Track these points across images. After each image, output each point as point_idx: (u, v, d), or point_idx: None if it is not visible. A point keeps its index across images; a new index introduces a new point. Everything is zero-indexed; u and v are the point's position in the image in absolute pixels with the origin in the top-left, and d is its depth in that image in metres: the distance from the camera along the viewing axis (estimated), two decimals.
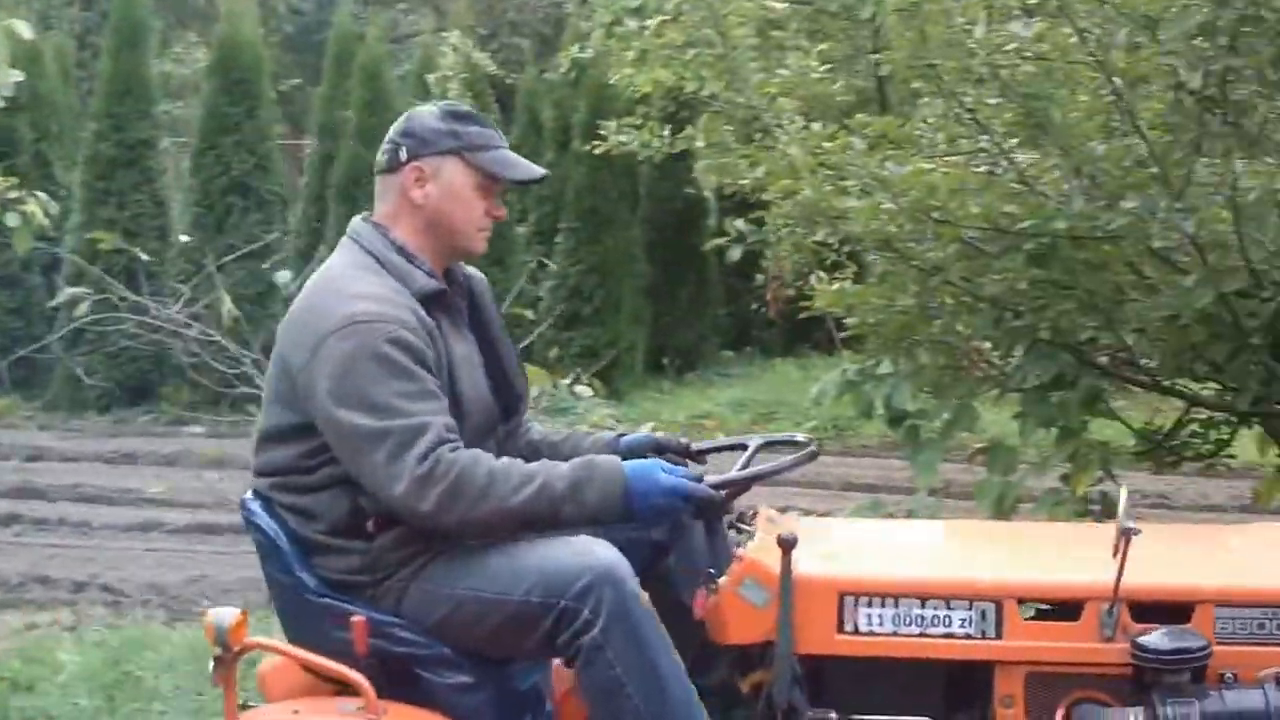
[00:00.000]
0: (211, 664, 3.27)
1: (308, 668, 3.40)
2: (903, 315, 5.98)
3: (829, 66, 6.67)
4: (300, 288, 3.71)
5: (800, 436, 4.07)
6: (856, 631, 3.42)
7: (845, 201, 5.74)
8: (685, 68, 7.15)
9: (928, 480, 6.05)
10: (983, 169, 5.86)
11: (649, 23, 7.56)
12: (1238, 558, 3.89)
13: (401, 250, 3.58)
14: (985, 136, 5.78)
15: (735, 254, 6.48)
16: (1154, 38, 5.16)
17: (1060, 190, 5.56)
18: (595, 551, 3.35)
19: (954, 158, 5.95)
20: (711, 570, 3.47)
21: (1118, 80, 5.32)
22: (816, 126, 6.05)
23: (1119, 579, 3.28)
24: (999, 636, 3.42)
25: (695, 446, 3.95)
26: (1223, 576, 3.55)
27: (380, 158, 3.68)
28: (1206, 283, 5.14)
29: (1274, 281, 5.31)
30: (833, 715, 3.41)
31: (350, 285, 3.50)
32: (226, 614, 3.24)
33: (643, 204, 16.26)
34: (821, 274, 6.59)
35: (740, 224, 6.43)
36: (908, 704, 3.50)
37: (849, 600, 3.42)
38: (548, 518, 3.38)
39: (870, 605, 3.42)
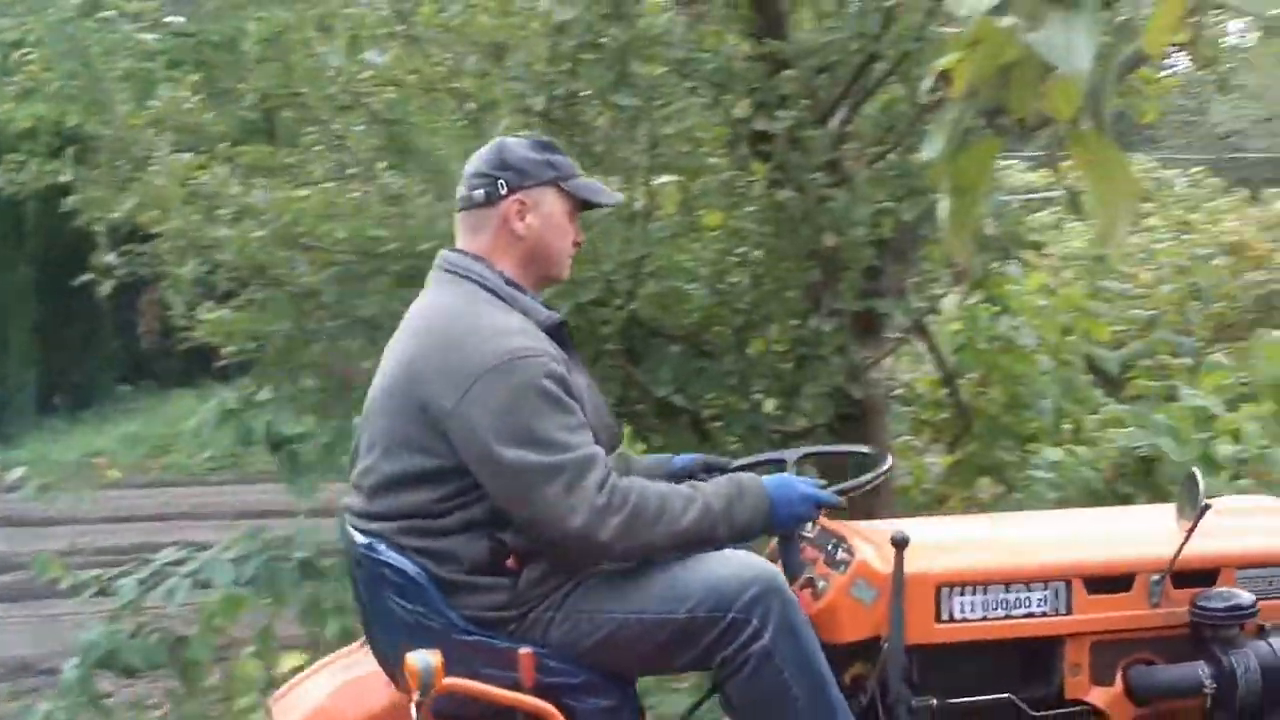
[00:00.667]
0: (414, 709, 3.23)
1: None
2: (283, 340, 6.05)
3: (201, 97, 6.66)
4: None
5: (860, 447, 4.45)
6: (952, 620, 3.71)
7: (217, 230, 5.77)
8: (59, 101, 7.02)
9: (307, 500, 6.18)
10: (356, 194, 6.01)
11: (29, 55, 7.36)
12: (1243, 527, 4.27)
13: (510, 283, 3.55)
14: (354, 163, 5.93)
15: (106, 288, 6.39)
16: (501, 63, 5.42)
17: (429, 211, 5.76)
18: (755, 563, 3.48)
19: (329, 184, 6.07)
20: (811, 576, 3.67)
21: (471, 104, 5.57)
22: (187, 157, 6.05)
23: (1178, 553, 3.78)
24: (1069, 612, 3.81)
25: (735, 464, 4.05)
26: (1238, 544, 4.04)
27: (474, 192, 3.61)
28: (566, 294, 5.39)
29: (626, 291, 5.63)
30: (933, 701, 3.65)
31: (487, 320, 3.44)
32: (427, 657, 3.22)
33: (30, 240, 15.86)
34: (211, 303, 6.59)
35: (112, 257, 6.36)
36: (993, 682, 3.80)
37: (945, 591, 3.69)
38: (708, 537, 3.45)
39: (963, 594, 3.72)
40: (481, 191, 3.61)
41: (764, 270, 5.76)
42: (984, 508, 6.72)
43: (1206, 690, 3.80)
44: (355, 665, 3.84)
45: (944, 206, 2.00)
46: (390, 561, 3.44)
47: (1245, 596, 3.86)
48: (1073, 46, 1.81)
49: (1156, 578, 3.83)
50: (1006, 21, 1.82)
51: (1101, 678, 3.89)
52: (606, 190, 3.91)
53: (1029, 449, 6.88)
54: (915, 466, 7.10)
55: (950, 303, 6.95)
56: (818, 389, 5.55)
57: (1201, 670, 3.80)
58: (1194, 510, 3.79)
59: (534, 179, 3.62)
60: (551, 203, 3.64)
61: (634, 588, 3.46)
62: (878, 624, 3.61)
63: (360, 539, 3.51)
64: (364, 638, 3.77)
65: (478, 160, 3.70)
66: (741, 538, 3.56)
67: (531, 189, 3.61)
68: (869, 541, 3.71)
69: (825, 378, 5.55)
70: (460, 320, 3.48)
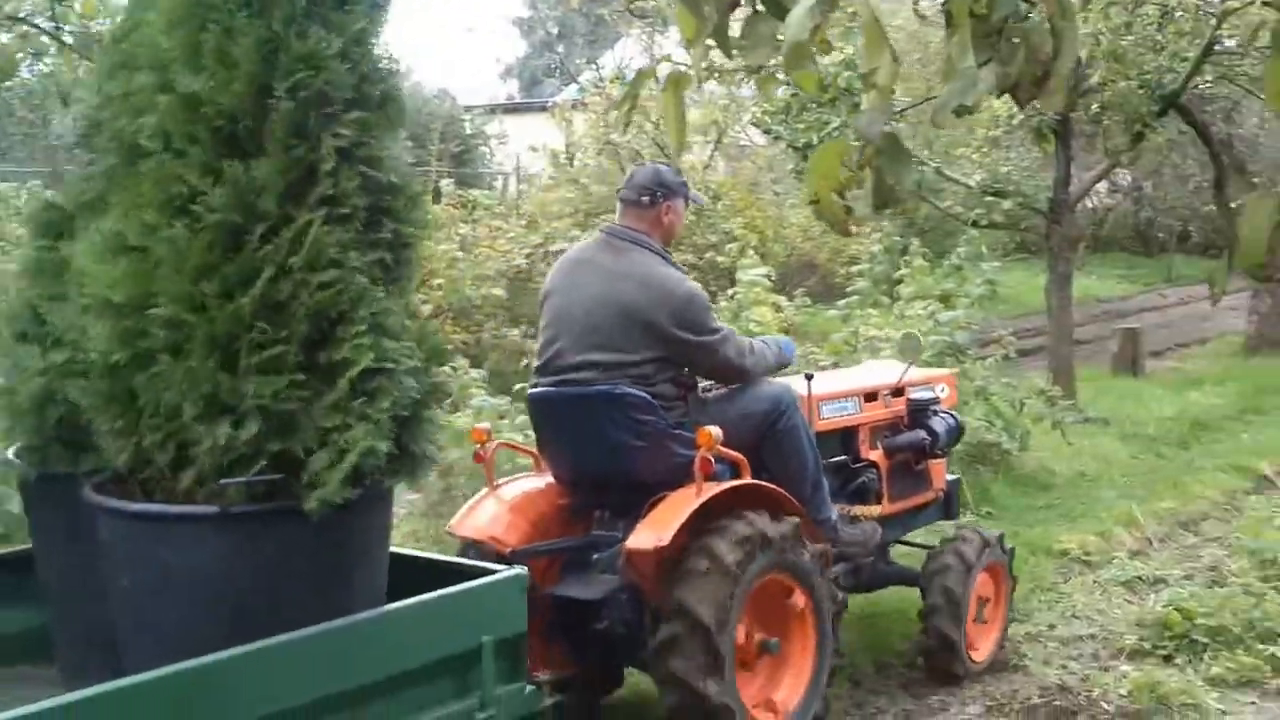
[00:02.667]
0: (699, 460, 5.96)
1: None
2: None
3: None
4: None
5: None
6: (824, 418, 7.19)
7: None
8: None
9: None
10: None
11: None
12: (897, 370, 7.97)
13: (662, 250, 6.58)
14: None
15: None
16: None
17: None
18: (779, 386, 6.75)
19: None
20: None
21: None
22: None
23: (899, 380, 7.75)
24: (859, 412, 7.53)
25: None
26: (920, 375, 8.16)
27: (642, 197, 6.52)
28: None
29: None
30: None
31: (671, 270, 6.46)
32: (710, 429, 5.96)
33: None
34: None
35: None
36: (839, 449, 7.43)
37: (820, 403, 7.16)
38: (771, 366, 6.79)
39: (827, 405, 7.28)
40: (648, 198, 6.52)
41: None
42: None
43: (923, 442, 7.66)
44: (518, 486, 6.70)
45: None
46: (633, 393, 6.12)
47: (934, 393, 7.95)
48: None
49: (888, 392, 7.70)
50: None
51: (873, 445, 7.62)
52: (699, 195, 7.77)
53: None
54: None
55: None
56: None
57: (918, 433, 7.68)
58: (911, 358, 7.94)
59: (675, 194, 6.62)
60: (680, 208, 6.72)
61: (736, 400, 6.59)
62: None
63: (604, 386, 6.15)
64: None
65: (643, 176, 6.63)
66: (779, 368, 6.87)
67: (674, 199, 6.60)
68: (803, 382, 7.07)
69: None
70: (660, 277, 6.33)
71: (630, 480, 6.13)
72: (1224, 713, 7.03)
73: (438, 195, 19.22)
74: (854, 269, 17.03)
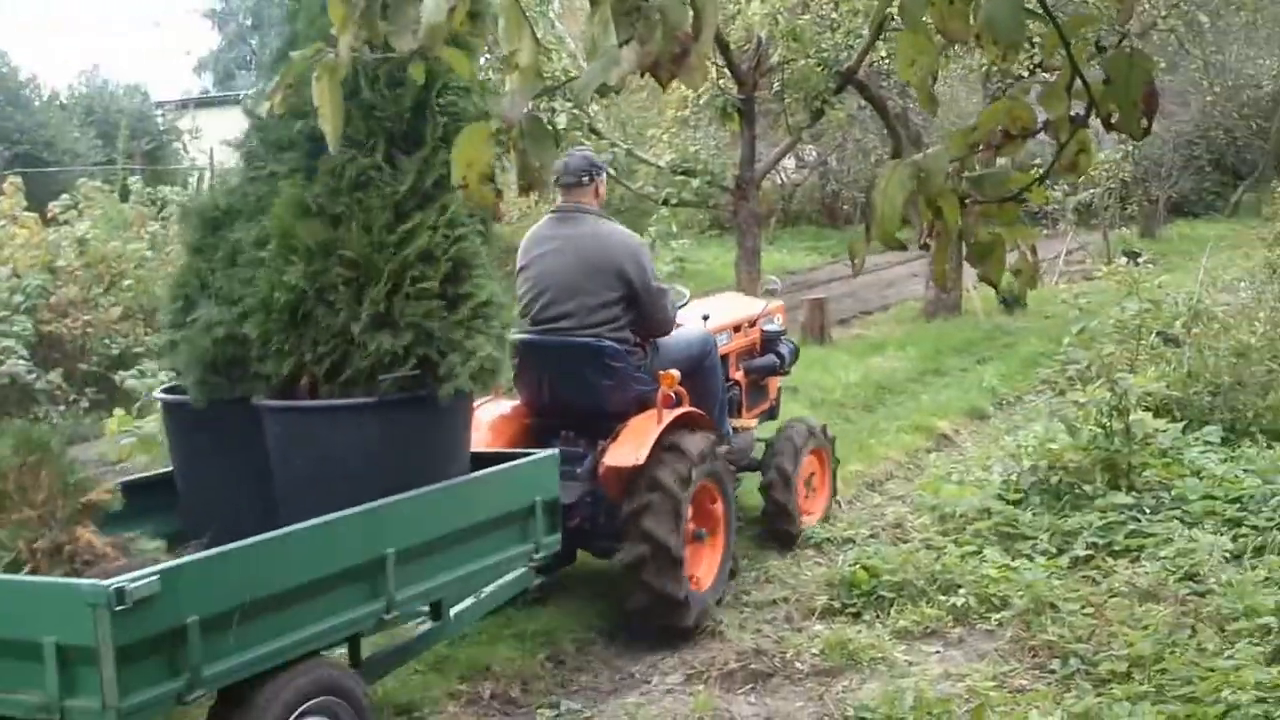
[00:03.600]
0: (662, 397, 7.95)
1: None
2: None
3: None
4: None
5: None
6: (718, 347, 9.17)
7: None
8: None
9: None
10: None
11: None
12: (747, 303, 10.56)
13: (605, 215, 8.36)
14: None
15: None
16: None
17: None
18: (705, 331, 8.82)
19: None
20: None
21: None
22: None
23: (758, 316, 10.07)
24: (730, 341, 9.34)
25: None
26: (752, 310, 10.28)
27: (580, 178, 8.11)
28: None
29: None
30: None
31: (624, 230, 8.28)
32: (671, 373, 8.16)
33: None
34: None
35: None
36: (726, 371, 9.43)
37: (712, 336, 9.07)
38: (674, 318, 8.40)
39: (718, 337, 9.14)
40: (586, 177, 8.10)
41: None
42: None
43: (774, 364, 9.93)
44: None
45: None
46: (610, 345, 7.87)
47: (777, 323, 10.18)
48: None
49: (747, 324, 9.76)
50: None
51: (737, 368, 9.61)
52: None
53: None
54: None
55: None
56: None
57: (770, 357, 9.90)
58: (769, 299, 10.44)
59: (601, 171, 8.35)
60: (604, 179, 8.43)
61: (680, 343, 8.43)
62: None
63: (587, 339, 7.87)
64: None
65: (577, 161, 8.11)
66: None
67: (600, 175, 8.27)
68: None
69: None
70: (614, 232, 8.10)
71: (598, 411, 7.97)
72: (910, 663, 7.33)
73: (126, 194, 18.65)
74: None
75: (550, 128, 2.69)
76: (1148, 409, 10.76)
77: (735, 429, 9.31)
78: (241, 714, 4.93)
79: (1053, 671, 7.02)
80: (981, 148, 2.82)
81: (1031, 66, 12.45)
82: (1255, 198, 34.83)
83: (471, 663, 7.26)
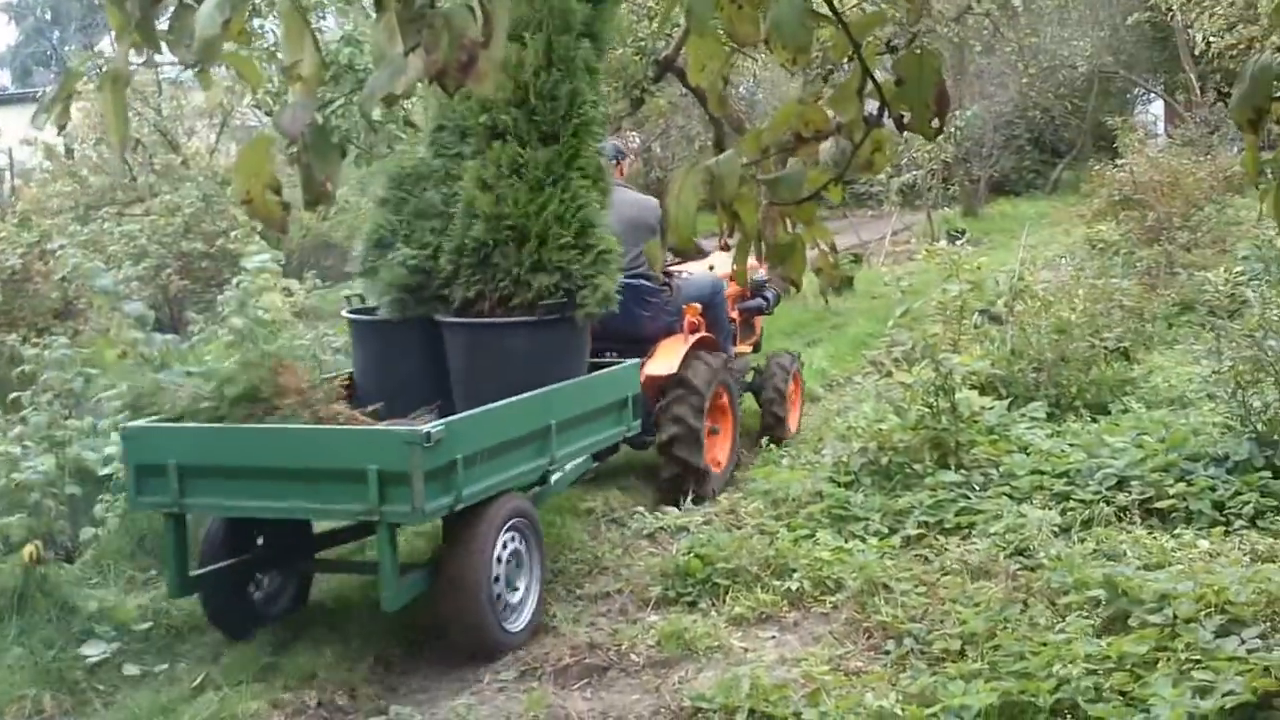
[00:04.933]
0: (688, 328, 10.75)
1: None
2: None
3: None
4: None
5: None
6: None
7: None
8: None
9: None
10: None
11: None
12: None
13: (634, 186, 11.64)
14: None
15: None
16: None
17: None
18: (715, 277, 11.36)
19: None
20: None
21: None
22: None
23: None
24: (728, 288, 11.57)
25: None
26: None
27: (614, 159, 10.29)
28: None
29: None
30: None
31: (648, 198, 10.84)
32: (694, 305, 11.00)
33: None
34: None
35: None
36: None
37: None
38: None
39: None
40: (615, 159, 10.23)
41: None
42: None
43: (762, 306, 12.67)
44: None
45: None
46: (647, 285, 10.44)
47: (762, 274, 12.11)
48: None
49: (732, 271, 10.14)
50: None
51: (733, 309, 11.87)
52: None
53: None
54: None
55: None
56: None
57: (759, 300, 12.55)
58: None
59: (625, 155, 11.22)
60: (628, 161, 12.33)
61: (696, 285, 11.14)
62: None
63: (631, 280, 9.50)
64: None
65: (608, 149, 9.48)
66: None
67: (624, 158, 11.07)
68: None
69: None
70: (643, 198, 10.80)
71: (638, 335, 10.39)
72: (747, 650, 7.31)
73: None
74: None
75: (335, 139, 2.57)
76: (974, 387, 10.90)
77: (737, 354, 12.01)
78: (475, 524, 7.34)
79: (887, 652, 7.03)
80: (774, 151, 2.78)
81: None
82: (1074, 175, 35.67)
83: (296, 671, 7.10)
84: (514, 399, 7.57)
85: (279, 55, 5.83)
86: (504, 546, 7.54)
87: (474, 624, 7.32)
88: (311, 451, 6.99)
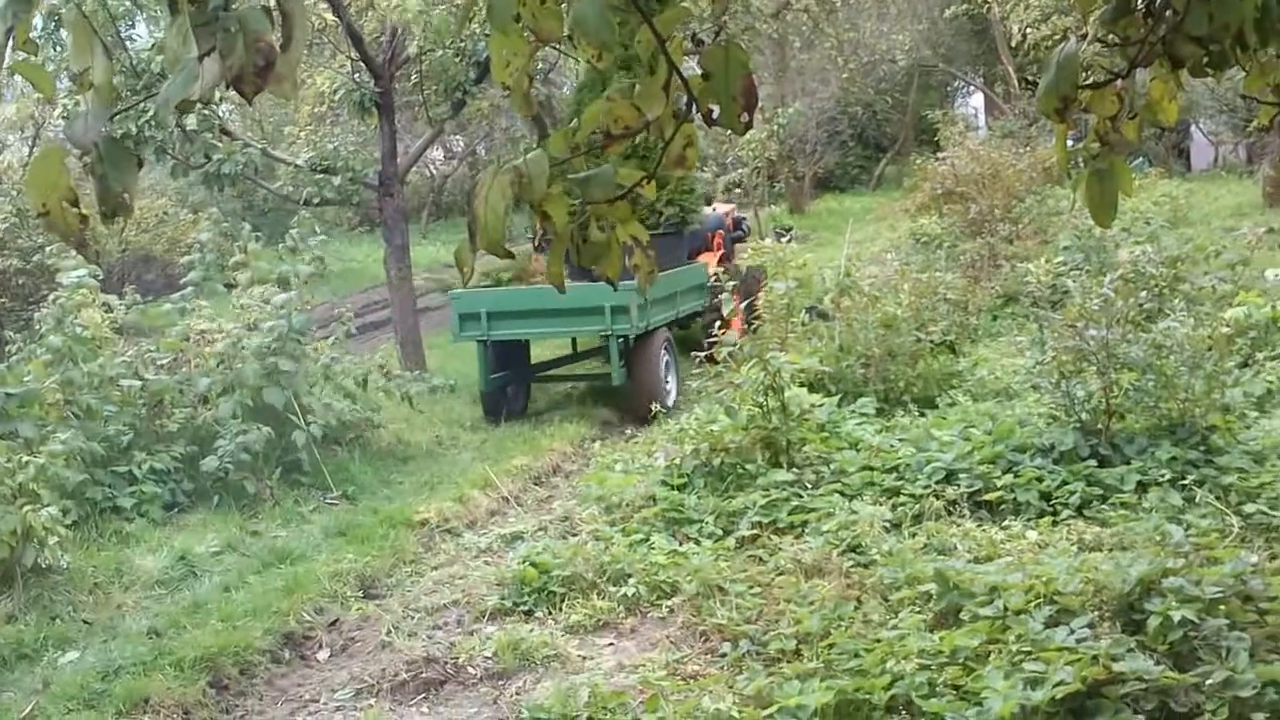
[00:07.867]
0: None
1: None
2: None
3: None
4: None
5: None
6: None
7: None
8: None
9: None
10: None
11: None
12: (729, 207, 21.94)
13: None
14: None
15: None
16: None
17: None
18: (719, 214, 19.49)
19: None
20: None
21: None
22: None
23: (732, 210, 21.25)
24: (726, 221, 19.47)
25: None
26: (731, 209, 21.30)
27: None
28: None
29: None
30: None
31: None
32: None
33: None
34: None
35: None
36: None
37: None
38: None
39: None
40: None
41: None
42: None
43: (743, 235, 20.80)
44: None
45: None
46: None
47: (740, 214, 22.12)
48: None
49: (729, 216, 19.66)
50: None
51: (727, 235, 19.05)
52: None
53: None
54: None
55: None
56: None
57: (740, 231, 20.52)
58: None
59: None
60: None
61: (713, 219, 18.67)
62: None
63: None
64: None
65: None
66: None
67: None
68: None
69: None
70: None
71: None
72: (584, 658, 7.26)
73: None
74: (183, 260, 16.09)
75: (131, 148, 2.48)
76: (803, 385, 10.95)
77: (736, 267, 17.51)
78: (652, 341, 14.12)
79: (724, 655, 7.03)
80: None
81: None
82: (897, 170, 36.16)
83: (128, 694, 6.92)
84: (663, 274, 11.75)
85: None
86: (664, 354, 14.27)
87: (653, 393, 13.51)
88: (572, 298, 12.35)
